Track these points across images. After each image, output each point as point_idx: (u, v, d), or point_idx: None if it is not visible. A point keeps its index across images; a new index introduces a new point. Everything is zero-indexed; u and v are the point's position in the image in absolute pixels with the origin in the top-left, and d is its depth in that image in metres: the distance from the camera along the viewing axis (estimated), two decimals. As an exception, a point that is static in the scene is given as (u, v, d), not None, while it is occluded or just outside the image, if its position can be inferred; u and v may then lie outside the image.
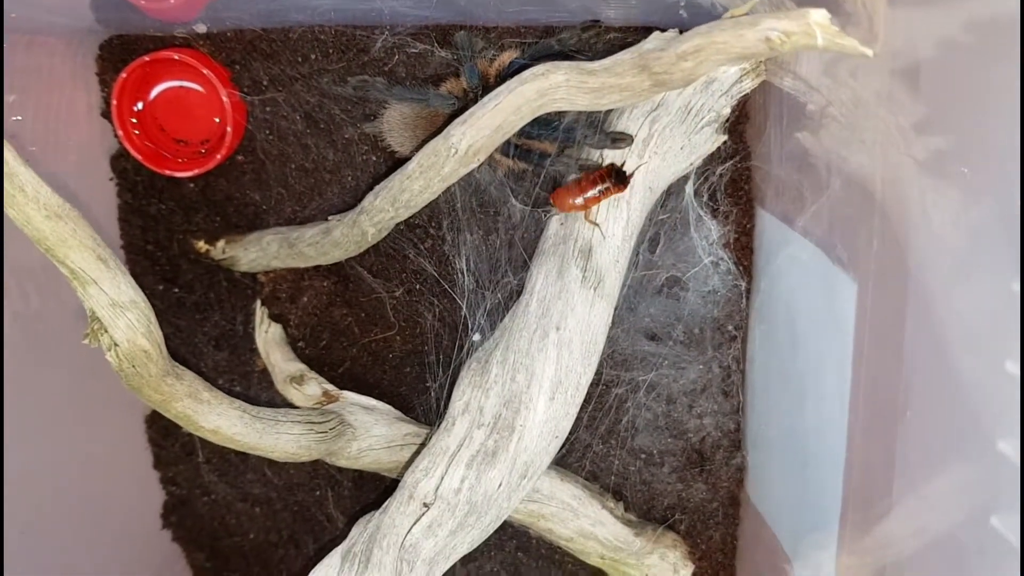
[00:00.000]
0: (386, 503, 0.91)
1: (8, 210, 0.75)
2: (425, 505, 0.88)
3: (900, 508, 0.66)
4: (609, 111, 0.93)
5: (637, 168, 0.92)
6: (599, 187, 0.89)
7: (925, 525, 0.63)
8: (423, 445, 0.97)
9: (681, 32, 0.90)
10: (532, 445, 0.90)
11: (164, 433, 1.25)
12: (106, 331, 0.81)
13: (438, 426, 0.93)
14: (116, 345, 0.82)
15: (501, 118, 0.81)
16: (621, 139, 0.92)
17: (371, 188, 1.08)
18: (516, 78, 0.80)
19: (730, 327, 1.09)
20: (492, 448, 0.89)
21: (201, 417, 0.89)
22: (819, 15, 0.65)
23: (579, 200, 0.89)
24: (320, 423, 1.00)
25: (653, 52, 0.73)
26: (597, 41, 0.95)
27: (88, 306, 0.81)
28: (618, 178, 0.90)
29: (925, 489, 0.63)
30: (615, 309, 0.95)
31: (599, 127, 0.93)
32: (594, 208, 0.92)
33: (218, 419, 0.90)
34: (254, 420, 0.93)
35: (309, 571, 1.24)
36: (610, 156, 0.93)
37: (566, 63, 0.79)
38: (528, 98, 0.79)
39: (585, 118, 0.91)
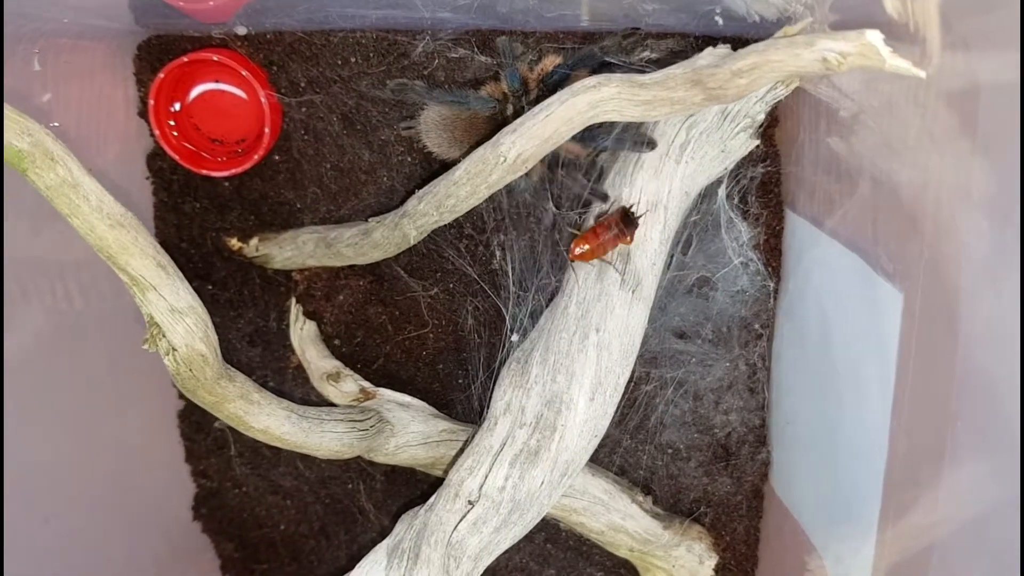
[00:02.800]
0: (431, 500, 0.93)
1: (72, 219, 0.77)
2: (470, 503, 0.90)
3: (947, 509, 0.69)
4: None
5: (644, 214, 0.94)
6: (611, 232, 0.91)
7: (974, 527, 0.66)
8: (467, 443, 0.99)
9: (726, 42, 0.93)
10: (572, 444, 0.92)
11: (196, 428, 1.27)
12: (164, 336, 0.83)
13: (480, 425, 0.96)
14: (174, 350, 0.83)
15: (552, 129, 0.82)
16: (647, 144, 0.94)
17: (407, 188, 1.10)
18: (567, 89, 0.81)
19: (757, 326, 1.11)
20: (535, 447, 0.91)
21: (252, 418, 0.91)
22: (873, 35, 0.67)
23: (587, 248, 0.91)
24: (361, 420, 1.02)
25: (707, 68, 0.75)
26: (636, 47, 0.96)
27: (147, 312, 0.82)
28: (627, 222, 0.92)
29: (974, 495, 0.65)
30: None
31: (630, 128, 0.94)
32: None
33: (268, 419, 0.92)
34: (301, 420, 0.95)
35: (342, 562, 1.27)
36: (630, 158, 0.95)
37: (617, 76, 0.80)
38: (579, 110, 0.81)
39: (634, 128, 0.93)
